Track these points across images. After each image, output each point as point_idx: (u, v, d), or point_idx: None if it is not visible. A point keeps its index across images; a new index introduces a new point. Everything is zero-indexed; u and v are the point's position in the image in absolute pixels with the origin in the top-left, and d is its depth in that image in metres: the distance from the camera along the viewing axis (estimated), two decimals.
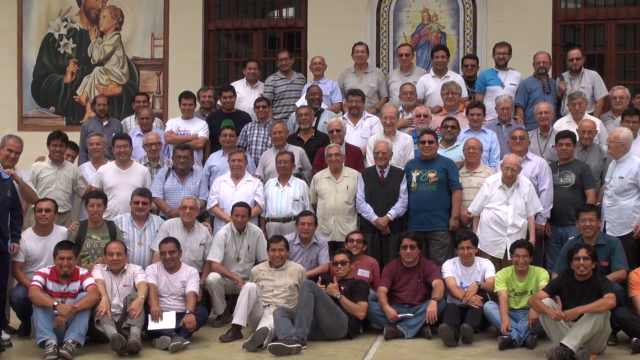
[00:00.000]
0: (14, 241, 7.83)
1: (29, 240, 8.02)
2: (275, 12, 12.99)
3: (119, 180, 9.02)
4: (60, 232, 8.16)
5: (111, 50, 12.82)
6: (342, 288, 7.91)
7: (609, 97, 9.83)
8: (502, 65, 10.25)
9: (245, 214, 8.51)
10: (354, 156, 9.31)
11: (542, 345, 7.29)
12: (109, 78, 12.82)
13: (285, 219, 8.93)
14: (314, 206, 9.02)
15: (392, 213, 8.76)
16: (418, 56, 11.84)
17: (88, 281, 7.54)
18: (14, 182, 7.96)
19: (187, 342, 7.48)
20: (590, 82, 10.01)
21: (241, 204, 8.58)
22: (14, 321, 8.08)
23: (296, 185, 9.04)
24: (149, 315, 7.62)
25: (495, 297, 7.88)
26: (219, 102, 10.37)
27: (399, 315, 7.90)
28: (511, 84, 10.10)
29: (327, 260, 8.52)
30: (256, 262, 8.52)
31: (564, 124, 9.25)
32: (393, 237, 8.60)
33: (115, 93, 12.68)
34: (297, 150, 9.38)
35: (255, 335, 7.45)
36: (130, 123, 10.48)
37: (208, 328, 8.14)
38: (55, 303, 7.27)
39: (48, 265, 7.63)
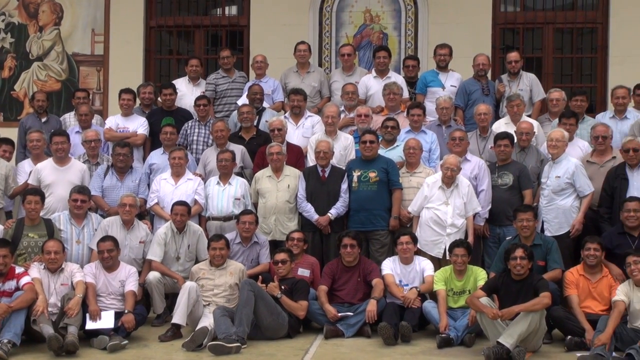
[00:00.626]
0: None
1: None
2: (218, 10, 12.91)
3: (56, 178, 8.87)
4: None
5: (50, 46, 12.61)
6: (283, 287, 7.89)
7: (546, 99, 9.95)
8: (442, 66, 10.33)
9: (185, 212, 8.46)
10: (295, 155, 9.30)
11: (480, 343, 7.35)
12: (48, 74, 12.62)
13: (226, 218, 8.88)
14: (255, 205, 8.98)
15: (333, 212, 8.76)
16: (360, 56, 11.89)
17: (24, 280, 7.42)
18: None
19: (126, 341, 7.41)
20: (528, 84, 10.14)
21: (181, 203, 8.52)
22: None
23: (237, 184, 8.99)
24: (87, 315, 7.51)
25: (434, 295, 7.94)
26: (159, 99, 10.28)
27: (339, 314, 7.91)
28: (451, 85, 10.19)
29: (267, 259, 8.49)
30: (196, 261, 8.46)
31: (503, 125, 9.36)
32: (334, 236, 8.61)
33: (55, 89, 12.50)
34: (239, 149, 9.33)
35: (195, 334, 7.41)
36: (70, 120, 10.34)
37: (147, 327, 8.05)
38: None
39: None
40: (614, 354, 6.81)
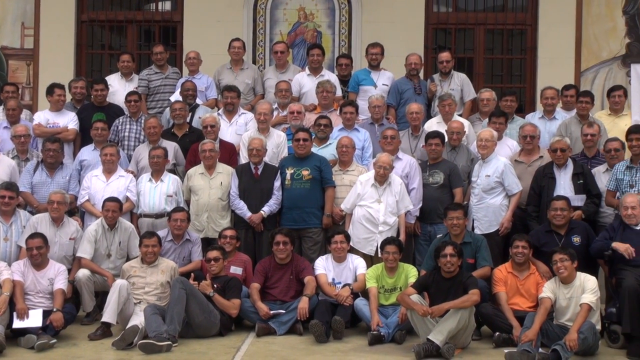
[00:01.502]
0: None
1: None
2: (151, 5, 12.78)
3: None
4: None
5: None
6: (215, 285, 7.86)
7: (477, 99, 10.04)
8: (375, 65, 10.37)
9: (117, 209, 8.38)
10: (228, 152, 9.26)
11: (410, 340, 7.41)
12: None
13: (158, 215, 8.80)
14: (187, 202, 8.91)
15: (266, 210, 8.74)
16: (294, 54, 11.89)
17: None
18: None
19: (54, 340, 7.29)
20: (459, 84, 10.23)
21: (112, 199, 8.43)
22: None
23: (169, 181, 8.92)
24: (14, 313, 7.39)
25: (366, 293, 7.96)
26: (93, 97, 10.12)
27: (271, 312, 7.90)
28: (383, 84, 10.22)
29: (199, 256, 8.43)
30: (128, 259, 8.36)
31: (434, 124, 9.43)
32: (266, 234, 8.57)
33: None
34: (171, 146, 9.26)
35: (125, 333, 7.33)
36: None
37: (76, 326, 7.94)
38: None
39: None
40: (540, 349, 6.90)
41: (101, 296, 8.15)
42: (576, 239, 7.85)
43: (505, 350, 6.98)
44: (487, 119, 9.41)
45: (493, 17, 12.41)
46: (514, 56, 12.57)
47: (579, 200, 8.27)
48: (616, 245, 7.54)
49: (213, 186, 8.83)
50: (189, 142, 9.39)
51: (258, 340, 7.63)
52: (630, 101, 9.82)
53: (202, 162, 8.91)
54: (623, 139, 8.53)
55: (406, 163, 8.79)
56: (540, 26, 12.19)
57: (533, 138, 8.82)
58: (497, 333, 7.49)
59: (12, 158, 9.13)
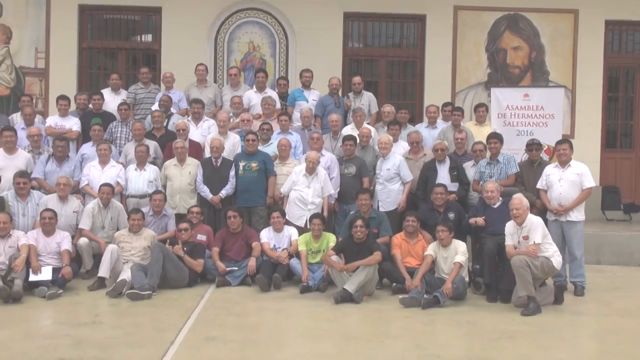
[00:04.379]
0: None
1: None
2: (137, 36, 12.51)
3: (6, 164, 8.53)
4: None
5: (1, 60, 11.95)
6: (185, 249, 7.82)
7: (380, 111, 10.09)
8: (307, 85, 10.34)
9: (110, 192, 8.27)
10: (195, 149, 9.14)
11: (331, 289, 7.45)
12: (0, 82, 11.98)
13: (142, 196, 8.64)
14: (164, 186, 8.77)
15: (223, 192, 8.68)
16: (245, 76, 11.79)
17: None
18: None
19: (61, 291, 7.22)
20: (367, 100, 10.28)
21: (106, 184, 8.32)
22: None
23: (150, 170, 8.78)
24: (30, 270, 7.29)
25: (298, 254, 7.97)
26: (91, 105, 9.91)
27: (227, 269, 7.89)
28: (313, 99, 10.21)
29: (173, 227, 8.33)
30: (118, 229, 8.22)
31: (349, 130, 9.44)
32: (223, 210, 8.50)
33: (4, 94, 11.87)
34: (152, 144, 9.11)
35: (116, 285, 7.28)
36: (16, 118, 9.83)
37: (78, 280, 7.83)
38: None
39: None
40: (425, 295, 7.00)
41: (97, 257, 7.98)
42: (451, 215, 7.98)
43: (400, 296, 7.07)
44: (387, 127, 9.47)
45: (392, 52, 12.51)
46: (407, 80, 12.65)
47: (453, 187, 8.39)
48: (471, 220, 7.77)
49: (184, 174, 8.73)
50: (165, 141, 9.24)
51: (217, 290, 7.61)
52: (490, 115, 10.01)
53: (175, 157, 8.79)
54: (485, 142, 8.70)
55: (328, 158, 8.79)
56: (427, 59, 12.30)
57: (417, 143, 8.92)
58: (394, 284, 7.62)
59: (28, 152, 8.93)
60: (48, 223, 7.64)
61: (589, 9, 12.19)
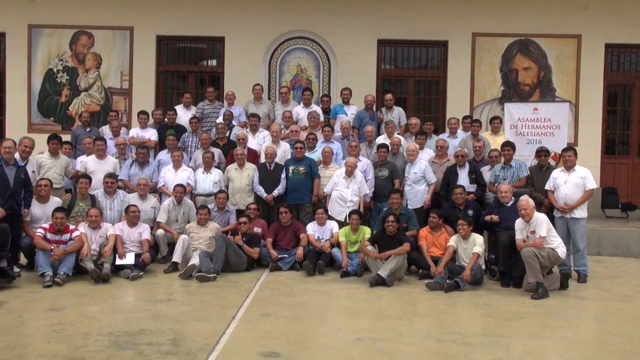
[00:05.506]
0: (25, 207, 7.49)
1: (33, 206, 7.63)
2: (204, 61, 12.66)
3: (97, 168, 8.69)
4: (54, 201, 7.79)
5: (93, 82, 12.22)
6: (244, 239, 7.86)
7: (409, 123, 10.04)
8: (346, 101, 10.33)
9: (182, 191, 8.38)
10: (252, 156, 9.20)
11: (366, 274, 7.43)
12: (92, 100, 12.23)
13: (208, 195, 8.73)
14: (227, 187, 8.85)
15: (276, 192, 8.71)
16: (294, 94, 11.84)
17: (75, 233, 7.27)
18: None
19: (142, 273, 7.33)
20: (397, 114, 10.23)
21: (179, 185, 8.42)
22: (23, 260, 7.73)
23: (215, 173, 8.87)
24: (116, 255, 7.41)
25: (339, 245, 7.96)
26: (166, 119, 10.07)
27: (279, 256, 7.91)
28: (351, 113, 10.20)
29: (234, 221, 8.39)
30: (189, 222, 8.30)
31: (382, 139, 9.41)
32: (276, 207, 8.54)
33: (95, 110, 12.12)
34: (217, 151, 9.20)
35: (187, 269, 7.35)
36: (105, 130, 10.04)
37: (156, 264, 7.94)
38: (52, 247, 6.99)
39: (48, 223, 7.30)
40: (447, 280, 6.94)
41: (171, 246, 8.09)
42: (470, 212, 7.87)
43: (425, 281, 7.03)
44: (414, 137, 9.41)
45: (419, 72, 12.41)
46: (431, 97, 12.55)
47: (472, 188, 8.29)
48: (487, 217, 7.68)
49: (243, 177, 8.78)
50: (228, 148, 9.32)
51: (271, 274, 7.64)
52: (504, 126, 9.89)
53: (236, 162, 8.85)
54: (499, 149, 8.57)
55: (364, 163, 8.77)
56: (448, 79, 12.21)
57: (443, 148, 8.86)
58: (421, 270, 7.57)
59: (115, 158, 9.08)
60: (135, 216, 7.77)
61: (590, 34, 12.05)
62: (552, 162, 8.87)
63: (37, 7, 12.18)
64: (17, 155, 7.60)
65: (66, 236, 7.21)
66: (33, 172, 8.06)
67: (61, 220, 7.18)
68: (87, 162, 8.77)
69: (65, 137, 9.61)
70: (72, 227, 7.37)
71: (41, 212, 7.65)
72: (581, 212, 7.60)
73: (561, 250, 6.89)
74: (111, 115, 10.19)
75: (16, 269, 7.08)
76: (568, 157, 7.69)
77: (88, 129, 10.14)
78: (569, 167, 7.67)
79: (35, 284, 6.78)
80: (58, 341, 4.71)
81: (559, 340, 5.06)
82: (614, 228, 9.98)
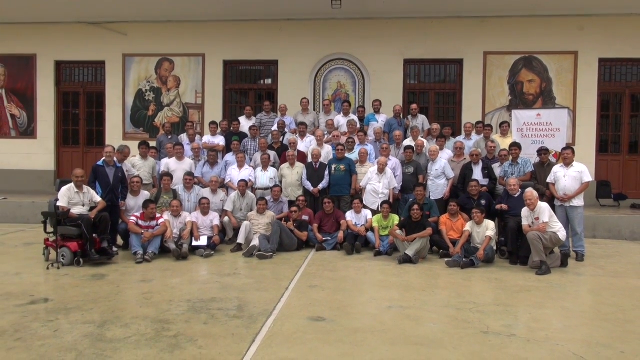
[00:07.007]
0: (122, 199, 7.69)
1: (128, 199, 7.82)
2: (262, 80, 12.75)
3: (177, 167, 8.81)
4: (144, 195, 7.96)
5: (173, 99, 12.48)
6: (295, 224, 7.89)
7: (431, 129, 9.87)
8: (377, 111, 10.23)
9: (245, 186, 8.41)
10: (301, 157, 9.17)
11: (395, 254, 7.34)
12: (172, 113, 12.49)
13: (266, 189, 8.77)
14: (281, 182, 8.87)
15: (320, 186, 8.67)
16: (335, 105, 11.79)
17: (160, 220, 7.41)
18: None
19: (213, 252, 7.41)
20: (421, 121, 10.05)
21: (242, 181, 8.46)
22: (120, 241, 7.91)
23: (271, 171, 8.90)
24: (193, 238, 7.51)
25: (372, 229, 7.90)
26: (231, 128, 10.18)
27: (323, 238, 7.90)
28: (382, 120, 10.08)
29: (287, 210, 8.42)
30: (250, 211, 8.37)
31: (408, 142, 9.27)
32: (321, 198, 8.51)
33: (176, 121, 12.36)
34: (272, 153, 9.24)
35: (249, 248, 7.40)
36: (184, 137, 10.19)
37: (224, 246, 8.03)
38: (143, 232, 7.15)
39: (139, 212, 7.47)
40: (464, 259, 6.82)
41: (236, 230, 8.16)
42: (483, 202, 7.68)
43: (445, 260, 6.92)
44: (435, 139, 9.24)
45: (438, 86, 12.18)
46: (449, 106, 12.30)
47: (485, 182, 8.10)
48: (498, 206, 7.50)
49: (293, 174, 8.78)
50: (281, 151, 9.35)
51: (317, 253, 7.63)
52: (511, 129, 9.61)
53: (288, 162, 8.87)
54: (508, 149, 8.33)
55: (393, 162, 8.66)
56: (464, 91, 11.94)
57: (461, 149, 8.68)
58: (441, 250, 7.44)
59: (191, 160, 9.19)
60: (206, 207, 7.86)
61: (586, 51, 11.65)
62: (553, 160, 8.60)
63: (129, 40, 12.51)
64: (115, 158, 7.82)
65: (153, 222, 7.36)
66: (127, 171, 8.28)
67: (152, 210, 7.36)
68: (169, 163, 8.91)
69: (152, 143, 9.82)
70: (158, 215, 7.53)
71: (134, 203, 7.82)
72: (579, 201, 7.34)
73: (562, 233, 6.68)
74: (188, 125, 10.37)
75: (115, 249, 7.25)
76: (567, 155, 7.46)
77: (170, 137, 10.30)
78: (568, 163, 7.42)
79: (129, 260, 6.96)
80: (147, 306, 4.83)
81: (560, 309, 4.91)
82: (607, 215, 9.61)
